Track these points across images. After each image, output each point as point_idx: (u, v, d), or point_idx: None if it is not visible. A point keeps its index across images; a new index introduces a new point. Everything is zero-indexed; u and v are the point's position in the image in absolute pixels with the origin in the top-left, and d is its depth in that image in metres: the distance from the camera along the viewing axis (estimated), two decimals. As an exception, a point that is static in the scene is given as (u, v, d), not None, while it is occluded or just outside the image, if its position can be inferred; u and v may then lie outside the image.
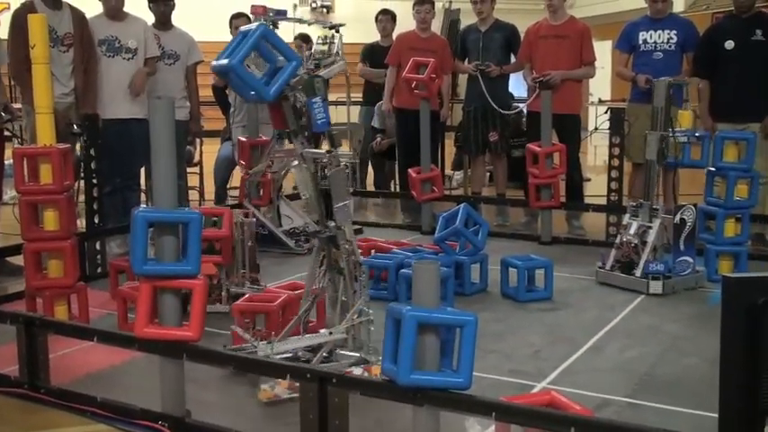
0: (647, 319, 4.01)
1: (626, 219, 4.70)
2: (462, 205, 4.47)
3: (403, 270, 4.10)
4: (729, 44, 5.52)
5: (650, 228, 4.52)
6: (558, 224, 6.03)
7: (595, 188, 7.50)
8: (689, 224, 4.40)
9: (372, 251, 4.74)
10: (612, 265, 4.66)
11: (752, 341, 1.95)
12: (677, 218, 4.39)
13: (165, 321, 2.67)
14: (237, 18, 6.64)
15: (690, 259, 4.44)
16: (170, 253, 2.62)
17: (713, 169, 4.65)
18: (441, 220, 4.46)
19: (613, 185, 5.79)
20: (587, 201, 6.66)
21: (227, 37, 7.09)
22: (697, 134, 4.79)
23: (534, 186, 5.70)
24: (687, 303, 4.24)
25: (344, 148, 5.50)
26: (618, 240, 4.70)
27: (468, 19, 7.42)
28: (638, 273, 4.47)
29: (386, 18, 7.85)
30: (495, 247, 5.03)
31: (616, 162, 5.78)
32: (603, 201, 6.02)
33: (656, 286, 4.36)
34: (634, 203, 4.74)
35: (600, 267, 4.70)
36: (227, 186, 7.10)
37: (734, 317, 1.97)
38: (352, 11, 18.81)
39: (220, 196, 6.89)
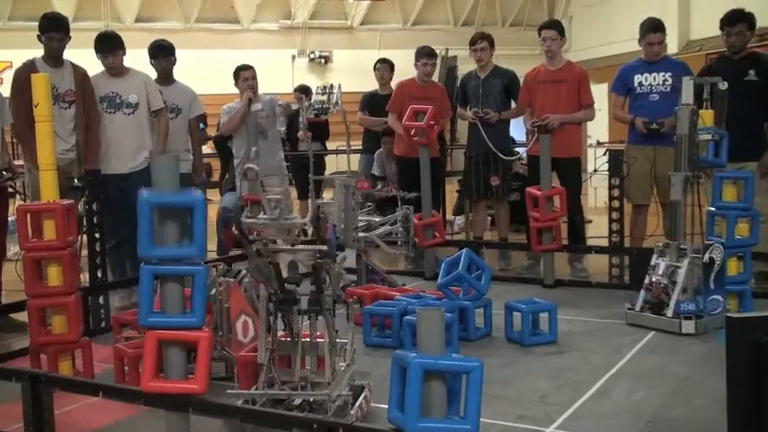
0: (654, 360, 3.99)
1: (654, 259, 4.70)
2: (465, 250, 4.49)
3: (407, 317, 4.10)
4: (723, 85, 5.57)
5: (679, 267, 4.51)
6: (560, 267, 6.04)
7: (597, 230, 7.52)
8: (717, 263, 4.39)
9: (376, 298, 4.74)
10: (642, 306, 4.65)
11: (757, 380, 1.95)
12: (706, 257, 4.38)
13: (171, 375, 2.67)
14: (245, 70, 6.71)
15: (720, 298, 4.42)
16: (175, 305, 2.63)
17: (713, 209, 4.67)
18: (443, 266, 4.47)
19: (614, 227, 5.81)
20: (589, 242, 6.68)
21: (229, 90, 7.27)
22: (720, 131, 4.75)
23: (536, 230, 5.72)
24: (694, 344, 4.22)
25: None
26: (647, 281, 4.69)
27: (464, 65, 7.54)
28: (669, 313, 4.45)
29: (384, 67, 7.96)
30: (499, 291, 5.03)
31: (616, 204, 5.81)
32: (605, 242, 6.04)
33: (688, 326, 4.34)
34: (661, 244, 4.75)
35: (629, 309, 4.69)
36: (230, 237, 7.12)
37: (739, 356, 1.97)
38: (349, 61, 19.09)
39: (223, 247, 6.90)
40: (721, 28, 5.76)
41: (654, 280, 4.61)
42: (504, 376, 3.77)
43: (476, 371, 2.26)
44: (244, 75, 6.69)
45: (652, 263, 4.70)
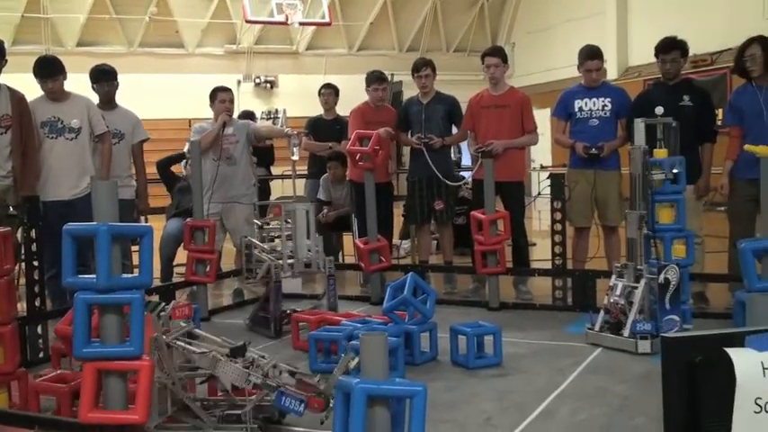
0: (596, 380, 4.04)
1: (612, 280, 4.78)
2: (410, 274, 4.50)
3: (352, 342, 4.09)
4: (659, 110, 5.69)
5: (636, 288, 4.60)
6: (505, 290, 6.09)
7: (541, 252, 7.62)
8: (673, 283, 4.48)
9: (322, 323, 4.72)
10: (601, 326, 4.72)
11: (692, 398, 2.00)
12: (661, 277, 4.47)
13: (110, 405, 2.61)
14: (223, 92, 6.65)
15: (676, 318, 4.50)
16: (113, 334, 2.58)
17: (649, 233, 4.77)
18: (389, 290, 4.48)
19: (557, 249, 5.90)
20: (533, 265, 6.76)
21: (175, 114, 7.24)
22: (675, 171, 4.85)
23: (480, 253, 5.77)
24: (634, 363, 4.29)
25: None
26: (605, 301, 4.77)
27: (410, 90, 7.61)
28: (626, 333, 4.52)
29: (328, 92, 7.99)
30: (445, 314, 5.06)
31: (558, 227, 5.90)
32: (549, 265, 6.12)
33: (644, 346, 4.41)
34: (619, 265, 4.83)
35: (589, 329, 4.75)
36: (173, 263, 7.02)
37: (674, 376, 2.02)
38: (295, 85, 19.10)
39: (166, 273, 6.81)
40: (656, 55, 5.91)
41: (612, 300, 4.69)
42: (449, 400, 3.78)
43: (419, 395, 2.26)
44: (221, 96, 6.63)
45: (611, 283, 4.78)
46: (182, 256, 6.25)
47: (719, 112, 7.42)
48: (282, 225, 5.40)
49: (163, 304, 3.82)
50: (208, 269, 5.72)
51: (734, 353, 1.99)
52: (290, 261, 5.30)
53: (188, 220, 5.85)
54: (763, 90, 5.38)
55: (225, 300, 6.54)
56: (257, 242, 5.41)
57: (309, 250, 5.32)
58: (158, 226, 7.35)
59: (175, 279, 6.61)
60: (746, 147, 4.37)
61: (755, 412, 2.01)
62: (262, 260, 5.29)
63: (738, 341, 2.01)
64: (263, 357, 3.09)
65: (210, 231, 5.70)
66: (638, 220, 4.70)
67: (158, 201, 7.77)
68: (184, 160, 7.35)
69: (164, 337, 2.93)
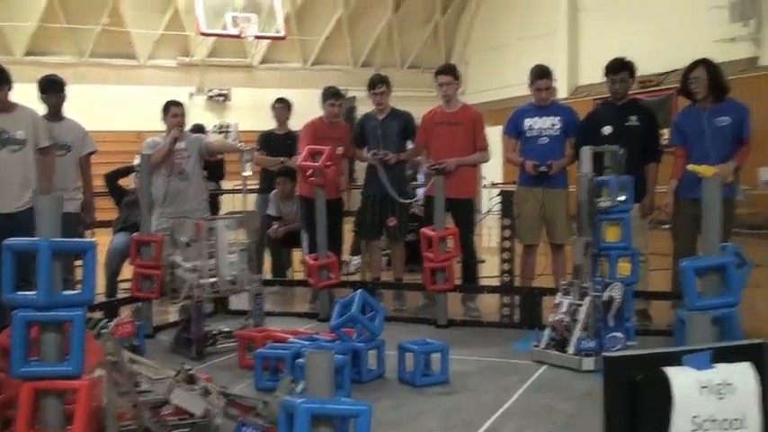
0: (542, 398, 4.07)
1: (558, 298, 4.81)
2: (358, 291, 4.49)
3: (299, 360, 4.06)
4: (607, 129, 5.83)
5: (580, 306, 4.64)
6: (454, 307, 6.12)
7: (490, 269, 7.66)
8: (617, 301, 4.53)
9: (268, 341, 4.67)
10: (547, 343, 4.75)
11: (632, 417, 2.02)
12: (606, 295, 4.51)
13: (47, 426, 2.55)
14: (176, 106, 6.59)
15: (620, 335, 4.55)
16: (52, 353, 2.52)
17: (595, 251, 4.83)
18: (337, 307, 4.46)
19: (505, 267, 5.95)
20: (483, 282, 6.80)
21: (126, 126, 7.12)
22: (620, 198, 4.91)
23: (429, 270, 5.78)
24: (579, 381, 4.33)
25: (240, 237, 5.53)
26: (551, 319, 4.80)
27: (364, 106, 7.62)
28: (570, 350, 4.56)
29: (281, 106, 7.97)
30: (393, 331, 5.04)
31: (507, 244, 5.95)
32: (498, 282, 6.16)
33: (588, 363, 4.44)
34: (565, 283, 4.87)
35: (535, 346, 4.78)
36: (118, 279, 6.91)
37: (614, 394, 2.03)
38: (248, 99, 18.98)
39: (111, 289, 6.69)
40: (606, 75, 6.02)
41: (557, 318, 4.73)
42: (395, 418, 3.77)
43: (364, 414, 2.25)
44: (173, 110, 6.57)
45: (556, 301, 4.83)
46: (128, 271, 6.15)
47: (665, 131, 7.56)
48: (203, 242, 5.26)
49: (104, 321, 3.76)
50: (154, 285, 5.62)
51: (672, 372, 2.02)
52: (212, 280, 5.21)
53: (135, 234, 5.76)
54: (707, 112, 5.51)
55: (171, 316, 6.45)
56: (179, 261, 5.28)
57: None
58: (105, 240, 7.26)
59: (120, 295, 6.50)
60: (689, 167, 4.46)
61: (693, 431, 2.04)
62: (185, 279, 5.18)
63: (676, 360, 2.04)
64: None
65: (158, 246, 5.62)
66: (584, 247, 4.76)
67: (106, 214, 7.64)
68: (134, 173, 7.26)
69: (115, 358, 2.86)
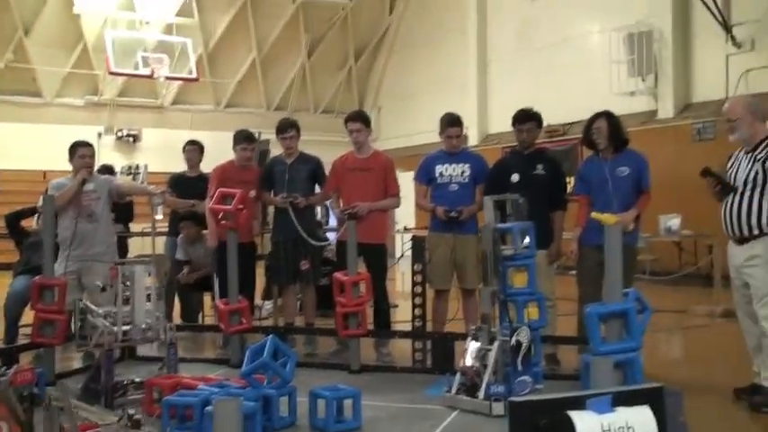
0: (453, 443, 4.09)
1: (467, 342, 4.84)
2: (269, 337, 4.44)
3: (208, 407, 3.97)
4: (515, 177, 5.99)
5: (489, 351, 4.68)
6: (367, 351, 6.11)
7: (403, 314, 7.70)
8: (524, 345, 4.59)
9: (177, 388, 4.55)
10: (458, 388, 4.76)
11: (538, 462, 2.06)
12: (513, 340, 4.57)
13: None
14: (83, 147, 6.43)
15: (528, 379, 4.61)
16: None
17: (503, 296, 4.92)
18: (248, 353, 4.40)
19: (417, 312, 5.99)
20: (396, 327, 6.82)
21: (30, 165, 6.91)
22: (524, 243, 5.01)
23: (342, 315, 5.77)
24: (489, 425, 4.37)
25: (149, 281, 5.40)
26: (461, 364, 4.82)
27: (277, 149, 7.62)
28: (481, 395, 4.58)
29: (193, 149, 7.89)
30: (305, 377, 4.99)
31: (419, 289, 6.01)
32: (410, 326, 6.19)
33: (498, 408, 4.46)
34: (474, 328, 4.91)
35: (447, 391, 4.79)
36: (19, 324, 6.64)
37: (521, 440, 2.08)
38: (159, 140, 18.74)
39: (11, 334, 6.42)
40: (513, 125, 6.19)
41: (467, 363, 4.77)
42: (306, 466, 3.72)
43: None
44: (81, 151, 6.41)
45: (466, 346, 4.87)
46: (30, 315, 5.91)
47: (572, 180, 7.82)
48: (118, 288, 5.08)
49: (2, 368, 3.60)
50: (56, 330, 5.42)
51: (576, 416, 2.07)
52: (126, 328, 5.04)
53: (36, 277, 5.56)
54: (609, 162, 5.73)
55: (75, 363, 6.22)
56: (91, 306, 5.10)
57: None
58: (4, 283, 6.98)
59: (21, 341, 6.24)
60: (592, 214, 4.62)
61: (597, 474, 2.09)
62: (96, 325, 4.99)
63: (580, 404, 2.10)
64: None
65: (61, 290, 5.43)
66: (490, 296, 4.85)
67: (6, 256, 7.37)
68: (37, 215, 7.03)
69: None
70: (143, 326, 4.98)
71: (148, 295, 5.02)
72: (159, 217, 6.22)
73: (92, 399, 4.78)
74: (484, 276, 4.93)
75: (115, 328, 4.87)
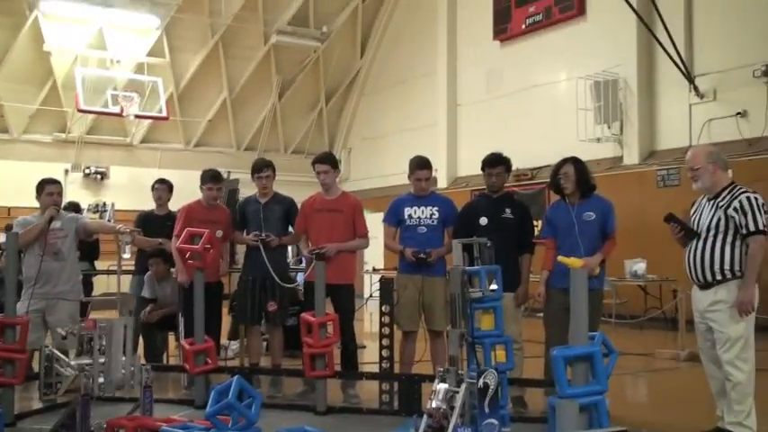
0: (419, 486, 4.06)
1: (435, 384, 4.82)
2: (235, 378, 4.40)
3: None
4: (483, 220, 6.04)
5: (457, 393, 4.66)
6: (334, 393, 6.06)
7: (371, 355, 7.67)
8: (492, 388, 4.58)
9: (140, 429, 4.48)
10: (425, 430, 4.72)
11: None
12: (481, 382, 4.56)
13: None
14: (51, 184, 6.40)
15: (495, 422, 4.58)
16: None
17: (470, 338, 4.92)
18: (213, 394, 4.34)
19: (385, 353, 5.97)
20: (364, 368, 6.78)
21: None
22: (492, 287, 5.02)
23: (309, 356, 5.73)
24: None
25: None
26: (428, 406, 4.79)
27: (246, 189, 7.63)
28: None
29: (162, 187, 7.85)
30: (271, 419, 4.94)
31: (387, 330, 5.99)
32: (377, 368, 6.16)
33: None
34: (441, 370, 4.89)
35: None
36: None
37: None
38: (127, 178, 18.64)
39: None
40: (482, 168, 6.27)
41: (434, 405, 4.74)
42: None
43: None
44: (49, 189, 6.36)
45: (433, 387, 4.85)
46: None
47: (539, 223, 7.90)
48: (96, 341, 4.94)
49: None
50: (17, 370, 5.31)
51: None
52: (101, 380, 4.84)
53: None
54: (575, 206, 5.81)
55: (35, 403, 6.09)
56: (59, 353, 4.99)
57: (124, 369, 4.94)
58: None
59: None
60: (559, 258, 4.67)
61: None
62: (63, 374, 4.86)
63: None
64: None
65: (23, 329, 5.34)
66: (458, 338, 4.86)
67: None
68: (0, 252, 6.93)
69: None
70: (117, 380, 4.87)
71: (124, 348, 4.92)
72: (126, 256, 6.18)
73: None
74: (452, 318, 4.93)
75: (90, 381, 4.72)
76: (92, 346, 4.78)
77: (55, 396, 4.96)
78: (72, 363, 4.83)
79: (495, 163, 6.21)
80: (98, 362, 4.80)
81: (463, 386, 4.66)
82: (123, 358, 4.92)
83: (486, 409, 4.57)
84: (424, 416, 4.80)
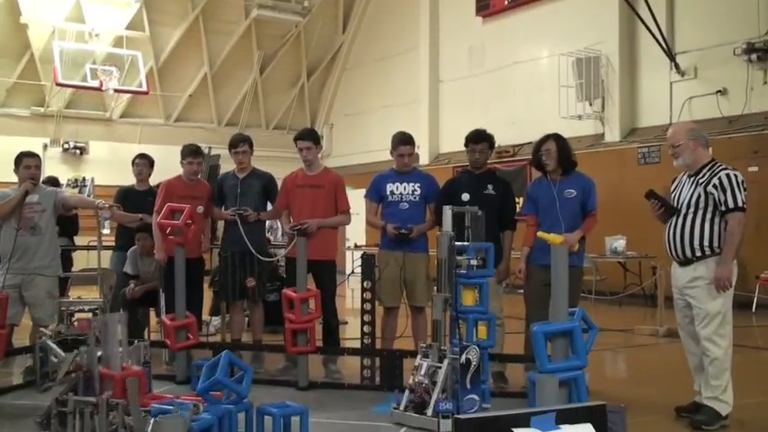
0: (400, 461, 4.10)
1: (417, 360, 4.85)
2: (224, 353, 4.39)
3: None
4: (465, 196, 6.04)
5: (439, 368, 4.70)
6: (315, 368, 6.08)
7: (353, 331, 7.69)
8: (474, 364, 4.62)
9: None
10: (406, 405, 4.76)
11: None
12: (463, 358, 4.59)
13: None
14: (29, 157, 6.31)
15: (476, 397, 4.63)
16: None
17: (454, 314, 4.96)
18: (204, 369, 4.33)
19: (366, 329, 5.99)
20: (345, 344, 6.80)
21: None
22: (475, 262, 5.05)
23: (291, 331, 5.74)
24: (437, 443, 4.39)
25: (94, 295, 5.30)
26: (411, 381, 4.83)
27: (227, 164, 7.58)
28: (429, 412, 4.59)
29: (143, 162, 7.78)
30: (253, 395, 4.91)
31: (368, 306, 6.01)
32: (359, 343, 6.18)
33: (446, 425, 4.44)
34: (424, 345, 4.92)
35: (395, 408, 4.78)
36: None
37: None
38: (107, 153, 18.48)
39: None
40: (466, 144, 6.25)
41: (417, 380, 4.78)
42: (252, 484, 3.68)
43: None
44: (27, 162, 6.28)
45: (416, 363, 4.88)
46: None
47: (521, 200, 7.93)
48: (92, 340, 4.78)
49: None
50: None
51: (521, 433, 2.10)
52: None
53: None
54: (556, 183, 5.82)
55: (15, 378, 6.07)
56: (54, 345, 4.91)
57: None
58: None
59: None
60: (539, 234, 4.69)
61: (541, 490, 2.12)
62: (59, 362, 4.78)
63: (525, 421, 2.13)
64: None
65: (2, 304, 5.30)
66: (442, 303, 4.89)
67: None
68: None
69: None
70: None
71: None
72: (106, 231, 6.12)
73: (62, 427, 4.28)
74: (438, 283, 4.95)
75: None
76: (87, 344, 4.61)
77: (53, 383, 4.87)
78: (63, 354, 4.74)
79: (479, 139, 6.19)
80: (93, 348, 4.42)
81: (446, 362, 4.70)
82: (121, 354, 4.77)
83: (468, 385, 4.62)
84: (406, 391, 4.85)
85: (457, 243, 5.01)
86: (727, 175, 4.78)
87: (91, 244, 9.52)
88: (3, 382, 5.85)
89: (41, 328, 5.58)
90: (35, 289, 6.16)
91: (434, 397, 4.65)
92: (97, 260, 7.24)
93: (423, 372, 4.79)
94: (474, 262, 4.99)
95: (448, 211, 5.05)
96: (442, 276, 4.91)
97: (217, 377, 4.21)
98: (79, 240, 9.93)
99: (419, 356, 4.90)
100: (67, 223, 8.81)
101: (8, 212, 6.08)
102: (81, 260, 10.29)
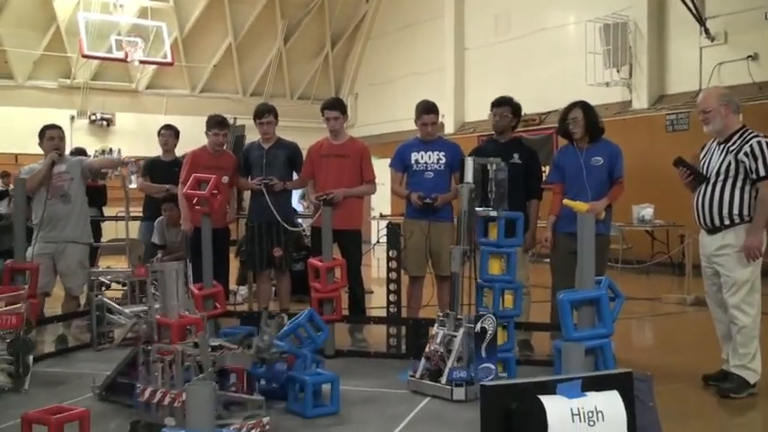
0: (427, 428, 4.12)
1: (434, 328, 4.87)
2: (308, 310, 4.78)
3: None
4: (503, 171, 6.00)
5: (455, 336, 4.71)
6: (341, 337, 6.13)
7: (379, 300, 7.73)
8: (490, 332, 4.62)
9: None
10: (422, 373, 4.79)
11: (510, 444, 2.09)
12: (478, 326, 4.60)
13: None
14: (52, 129, 6.40)
15: (492, 366, 4.64)
16: None
17: (481, 281, 4.96)
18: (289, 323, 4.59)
19: (392, 298, 6.01)
20: (371, 313, 6.84)
21: (4, 148, 6.80)
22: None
23: (317, 300, 5.78)
24: (463, 411, 4.39)
25: (122, 265, 5.36)
26: (427, 349, 4.85)
27: (252, 134, 7.59)
28: (443, 380, 4.61)
29: (168, 133, 7.82)
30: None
31: (394, 275, 6.02)
32: (385, 312, 6.21)
33: (459, 393, 4.50)
34: (441, 313, 4.93)
35: (411, 376, 4.82)
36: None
37: (491, 422, 2.11)
38: (133, 124, 18.60)
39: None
40: (490, 109, 6.23)
41: (432, 348, 4.80)
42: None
43: None
44: (50, 134, 6.37)
45: (432, 332, 4.89)
46: None
47: (548, 169, 7.88)
48: (149, 287, 4.75)
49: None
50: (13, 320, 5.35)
51: (547, 400, 2.11)
52: None
53: (8, 261, 5.51)
54: (583, 151, 5.77)
55: (47, 347, 6.18)
56: (113, 303, 4.87)
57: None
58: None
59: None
60: (565, 201, 4.66)
61: (567, 456, 2.13)
62: (115, 323, 4.79)
63: (551, 389, 2.13)
64: None
65: (33, 274, 5.39)
66: (461, 255, 4.87)
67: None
68: (8, 198, 6.96)
69: None
70: None
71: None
72: (133, 186, 6.14)
73: (122, 396, 4.38)
74: (457, 235, 4.93)
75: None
76: (144, 292, 4.52)
77: (110, 346, 4.89)
78: (126, 311, 4.76)
79: (501, 103, 6.17)
80: (154, 308, 4.33)
81: (461, 330, 4.70)
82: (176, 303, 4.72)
83: (484, 354, 4.62)
84: (422, 359, 4.86)
85: (489, 214, 4.97)
86: (759, 143, 4.70)
87: (119, 215, 9.62)
88: (36, 350, 5.95)
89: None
90: (67, 258, 6.26)
91: (449, 365, 4.66)
92: (125, 230, 7.32)
93: (438, 340, 4.80)
94: (494, 213, 4.95)
95: (470, 162, 5.01)
96: (462, 229, 4.89)
97: (298, 320, 4.57)
98: (107, 211, 10.04)
99: (436, 325, 4.91)
100: (96, 194, 8.90)
101: (37, 184, 6.15)
102: (110, 231, 10.41)
